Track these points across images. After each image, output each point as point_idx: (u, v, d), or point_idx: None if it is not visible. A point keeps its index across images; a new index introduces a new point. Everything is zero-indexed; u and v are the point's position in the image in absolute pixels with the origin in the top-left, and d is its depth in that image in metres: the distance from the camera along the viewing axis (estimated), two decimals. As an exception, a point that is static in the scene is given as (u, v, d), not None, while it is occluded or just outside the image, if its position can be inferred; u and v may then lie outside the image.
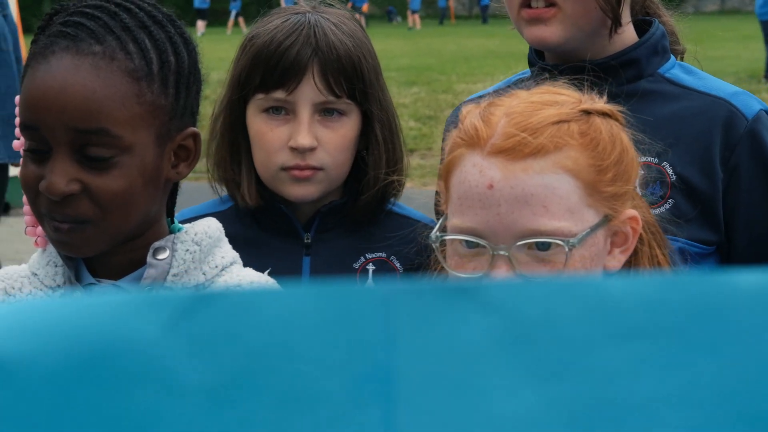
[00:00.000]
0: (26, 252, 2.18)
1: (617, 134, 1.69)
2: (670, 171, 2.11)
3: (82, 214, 1.66)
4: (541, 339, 0.79)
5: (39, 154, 1.67)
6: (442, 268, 1.70)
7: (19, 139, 1.78)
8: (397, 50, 26.11)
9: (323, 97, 2.22)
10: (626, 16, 2.19)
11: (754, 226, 2.15)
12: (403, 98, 16.55)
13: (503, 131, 1.63)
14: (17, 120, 1.72)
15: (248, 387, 0.79)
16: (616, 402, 0.79)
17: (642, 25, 2.25)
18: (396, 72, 19.50)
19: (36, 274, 1.79)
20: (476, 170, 1.63)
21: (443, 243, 1.69)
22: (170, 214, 1.84)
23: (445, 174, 1.70)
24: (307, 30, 2.23)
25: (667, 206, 2.10)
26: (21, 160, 1.72)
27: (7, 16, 7.07)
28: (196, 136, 1.76)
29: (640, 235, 1.72)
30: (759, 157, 2.13)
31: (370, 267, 2.30)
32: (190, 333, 0.80)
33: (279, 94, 2.22)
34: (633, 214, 1.69)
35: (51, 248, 1.78)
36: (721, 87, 2.19)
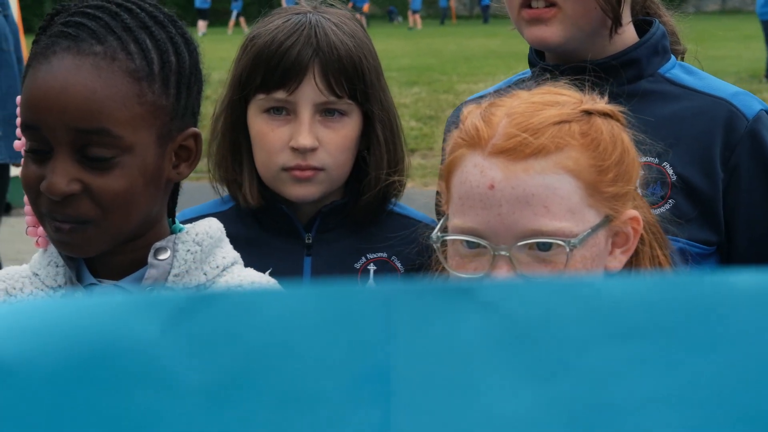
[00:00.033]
0: (27, 252, 2.17)
1: (618, 135, 1.70)
2: (670, 171, 2.11)
3: (83, 215, 1.66)
4: (539, 339, 0.79)
5: (40, 154, 1.67)
6: (443, 268, 1.70)
7: (20, 139, 1.78)
8: (398, 50, 26.11)
9: (324, 97, 2.22)
10: (626, 16, 2.19)
11: (755, 227, 2.15)
12: (404, 98, 16.55)
13: (504, 131, 1.63)
14: (18, 120, 1.72)
15: (247, 387, 0.79)
16: (614, 402, 0.79)
17: (642, 26, 2.25)
18: (397, 72, 19.50)
19: (37, 275, 1.79)
20: (477, 170, 1.63)
21: (444, 243, 1.69)
22: (171, 214, 1.84)
23: (446, 174, 1.71)
24: (308, 30, 2.23)
25: (667, 206, 2.10)
26: (22, 160, 1.72)
27: (8, 17, 7.07)
28: (197, 137, 1.76)
29: (641, 235, 1.72)
30: (759, 157, 2.13)
31: (371, 267, 2.30)
32: (189, 333, 0.80)
33: (280, 95, 2.22)
34: (634, 214, 1.69)
35: (52, 248, 1.78)
36: (722, 87, 2.19)
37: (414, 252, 2.19)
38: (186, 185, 1.89)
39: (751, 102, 2.16)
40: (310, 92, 2.21)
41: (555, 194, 1.61)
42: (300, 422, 0.79)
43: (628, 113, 1.76)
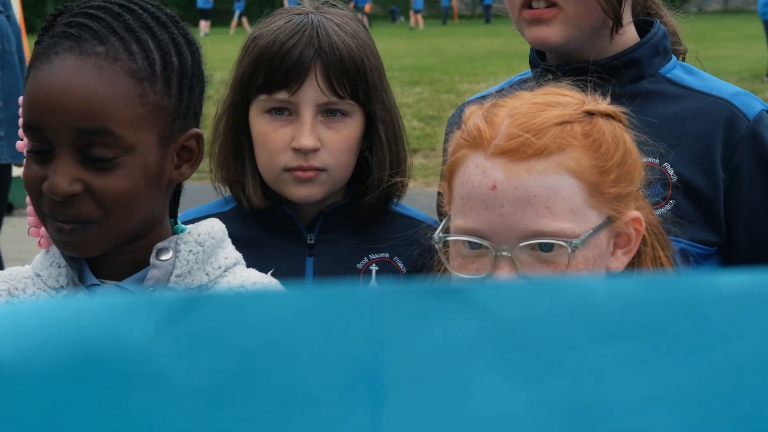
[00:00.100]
0: (29, 252, 2.17)
1: (620, 135, 1.70)
2: (671, 171, 2.11)
3: (85, 215, 1.66)
4: (526, 339, 0.80)
5: (42, 154, 1.67)
6: (446, 269, 1.70)
7: (22, 139, 1.78)
8: (400, 50, 26.11)
9: (326, 97, 2.22)
10: (627, 16, 2.19)
11: (756, 227, 2.15)
12: (406, 98, 16.55)
13: (506, 132, 1.63)
14: (20, 120, 1.72)
15: (240, 388, 0.80)
16: (604, 401, 0.79)
17: (643, 26, 2.25)
18: (399, 72, 19.50)
19: (39, 275, 1.79)
20: (479, 171, 1.63)
21: (446, 244, 1.69)
22: (173, 214, 1.84)
23: (448, 175, 1.70)
24: (310, 31, 2.23)
25: (668, 207, 2.10)
26: (24, 160, 1.72)
27: (10, 17, 7.07)
28: (199, 137, 1.76)
29: (643, 236, 1.72)
30: (760, 158, 2.13)
31: (374, 268, 2.29)
32: (183, 334, 0.80)
33: (282, 95, 2.22)
34: (636, 215, 1.69)
35: (54, 249, 1.78)
36: (723, 87, 2.19)
37: (416, 252, 2.19)
38: (188, 185, 1.89)
39: (751, 102, 2.16)
40: (312, 93, 2.21)
41: (557, 195, 1.61)
42: (291, 423, 0.79)
43: (630, 114, 1.76)
